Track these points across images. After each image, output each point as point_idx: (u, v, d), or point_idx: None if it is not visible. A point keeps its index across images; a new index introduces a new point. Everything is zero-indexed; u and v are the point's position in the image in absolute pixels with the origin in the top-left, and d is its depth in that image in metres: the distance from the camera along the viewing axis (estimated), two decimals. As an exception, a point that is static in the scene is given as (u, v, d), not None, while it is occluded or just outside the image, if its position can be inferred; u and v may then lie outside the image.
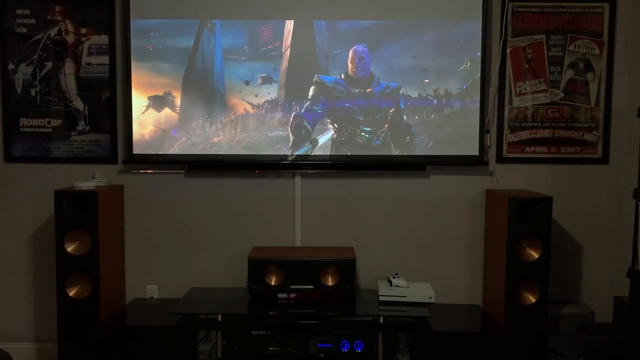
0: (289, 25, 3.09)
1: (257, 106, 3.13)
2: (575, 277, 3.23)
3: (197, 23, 3.09)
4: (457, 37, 3.08)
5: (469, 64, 3.08)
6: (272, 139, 3.13)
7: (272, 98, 3.12)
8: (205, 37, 3.10)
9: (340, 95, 3.11)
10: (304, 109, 3.12)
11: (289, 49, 3.10)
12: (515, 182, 3.19)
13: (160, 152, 3.15)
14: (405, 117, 3.11)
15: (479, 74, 3.09)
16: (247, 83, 3.09)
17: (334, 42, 3.09)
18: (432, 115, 3.11)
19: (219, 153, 3.13)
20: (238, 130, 3.13)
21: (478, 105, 3.11)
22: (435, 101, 3.10)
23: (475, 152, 3.13)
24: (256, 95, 3.11)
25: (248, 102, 3.12)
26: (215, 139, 3.13)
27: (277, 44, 3.10)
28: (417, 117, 3.11)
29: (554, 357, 2.20)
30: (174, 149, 3.15)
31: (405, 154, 3.13)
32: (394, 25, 3.08)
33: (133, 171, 3.19)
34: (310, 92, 3.11)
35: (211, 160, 3.14)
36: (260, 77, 3.09)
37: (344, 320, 2.84)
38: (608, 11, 3.11)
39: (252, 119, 3.13)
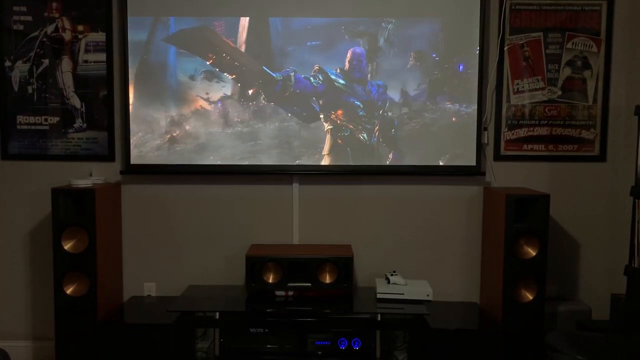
0: (244, 21, 3.08)
1: (212, 101, 3.12)
2: (573, 274, 3.24)
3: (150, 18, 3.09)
4: (413, 36, 3.08)
5: (418, 62, 3.09)
6: (230, 135, 3.13)
7: (225, 94, 3.12)
8: (159, 32, 3.09)
9: (344, 89, 3.11)
10: (302, 75, 3.11)
11: (244, 45, 3.10)
12: (513, 180, 3.19)
13: (158, 163, 3.14)
14: (390, 114, 3.13)
15: (437, 74, 3.09)
16: (192, 78, 3.09)
17: (288, 39, 3.09)
18: (406, 115, 3.13)
19: (206, 163, 3.13)
20: (194, 125, 3.12)
21: (449, 105, 3.11)
22: (404, 100, 3.12)
23: (472, 159, 3.13)
24: (207, 93, 3.11)
25: (202, 98, 3.11)
26: (173, 134, 3.13)
27: (232, 39, 3.09)
28: (398, 115, 3.13)
29: (552, 355, 2.20)
30: (132, 142, 3.14)
31: (392, 148, 3.13)
32: (353, 23, 3.09)
33: (132, 183, 3.19)
34: (313, 71, 3.10)
35: (209, 171, 3.14)
36: (202, 72, 3.09)
37: (342, 317, 2.85)
38: (606, 9, 3.11)
39: (207, 114, 3.12)
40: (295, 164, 3.14)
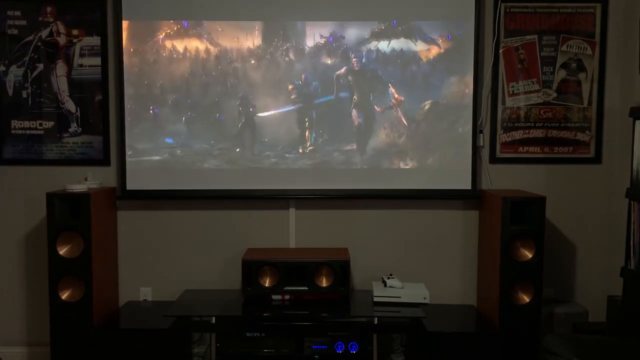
0: None
1: None
2: (569, 276, 3.24)
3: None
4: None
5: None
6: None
7: None
8: None
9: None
10: None
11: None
12: (509, 182, 3.19)
13: (155, 188, 3.14)
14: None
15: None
16: None
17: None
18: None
19: (213, 188, 3.14)
20: None
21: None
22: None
23: (467, 168, 3.15)
24: None
25: None
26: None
27: None
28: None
29: (548, 357, 2.20)
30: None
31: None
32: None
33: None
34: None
35: (204, 196, 3.15)
36: None
37: (339, 321, 2.84)
38: (600, 11, 3.12)
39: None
40: (292, 188, 3.14)
